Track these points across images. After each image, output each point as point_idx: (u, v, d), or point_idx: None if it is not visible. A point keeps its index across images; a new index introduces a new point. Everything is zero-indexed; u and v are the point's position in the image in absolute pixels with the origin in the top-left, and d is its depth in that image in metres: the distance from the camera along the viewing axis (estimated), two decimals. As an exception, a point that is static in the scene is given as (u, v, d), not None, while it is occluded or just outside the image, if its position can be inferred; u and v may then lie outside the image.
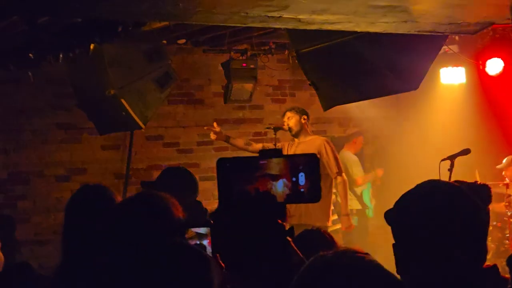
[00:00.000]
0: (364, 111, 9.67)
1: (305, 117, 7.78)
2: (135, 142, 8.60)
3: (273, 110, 9.09)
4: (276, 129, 7.87)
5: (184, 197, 4.51)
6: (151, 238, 2.29)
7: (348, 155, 9.23)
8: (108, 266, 2.39)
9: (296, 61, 6.89)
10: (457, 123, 9.25)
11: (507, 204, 8.25)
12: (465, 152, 6.59)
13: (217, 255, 2.24)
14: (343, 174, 7.73)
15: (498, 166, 8.51)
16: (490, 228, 2.20)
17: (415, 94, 6.57)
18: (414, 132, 9.74)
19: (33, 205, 8.13)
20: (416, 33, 5.37)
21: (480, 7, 4.67)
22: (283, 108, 8.40)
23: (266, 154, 2.24)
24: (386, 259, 2.11)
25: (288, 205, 2.27)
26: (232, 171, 2.21)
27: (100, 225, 2.68)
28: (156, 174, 7.69)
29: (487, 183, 2.30)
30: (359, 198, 9.19)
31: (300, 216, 7.40)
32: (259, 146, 7.81)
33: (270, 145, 7.93)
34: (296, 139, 7.83)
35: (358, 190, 9.17)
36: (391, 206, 2.21)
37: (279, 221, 2.06)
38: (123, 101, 6.88)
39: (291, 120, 7.76)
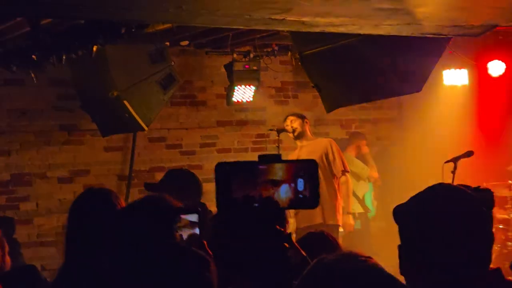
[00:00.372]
0: (367, 113, 9.67)
1: (306, 121, 7.90)
2: (138, 143, 8.60)
3: (276, 112, 9.09)
4: (280, 131, 7.92)
5: (188, 199, 4.53)
6: (154, 241, 2.29)
7: (351, 158, 9.23)
8: (111, 268, 2.39)
9: (299, 63, 6.89)
10: (460, 125, 9.24)
11: (510, 206, 8.25)
12: (468, 154, 6.59)
13: (204, 242, 2.25)
14: (348, 174, 7.83)
15: (510, 168, 8.50)
16: (494, 229, 2.19)
17: (418, 96, 6.57)
18: (417, 134, 9.73)
19: (36, 206, 8.13)
20: (419, 35, 5.37)
21: (484, 9, 4.66)
22: (286, 110, 8.41)
23: (265, 159, 2.23)
24: (390, 262, 2.11)
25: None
26: (232, 176, 2.20)
27: (104, 228, 2.69)
28: (158, 176, 7.69)
29: (490, 183, 2.30)
30: (361, 202, 9.18)
31: (309, 217, 7.45)
32: None
33: None
34: (298, 143, 7.87)
35: (360, 193, 9.15)
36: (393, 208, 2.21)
37: (278, 227, 2.06)
38: (126, 102, 6.88)
39: (294, 122, 7.81)
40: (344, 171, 7.76)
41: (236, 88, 8.40)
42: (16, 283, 3.44)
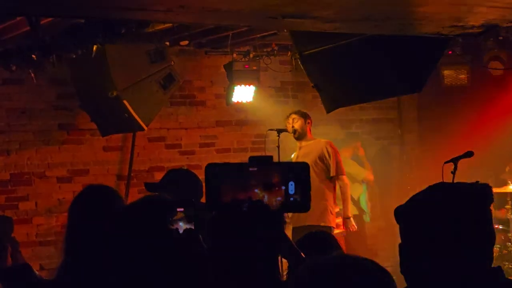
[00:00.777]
0: (367, 113, 9.66)
1: (309, 121, 7.84)
2: (137, 143, 8.59)
3: (275, 112, 9.07)
4: (280, 131, 7.88)
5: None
6: (154, 239, 2.29)
7: (345, 160, 9.18)
8: (111, 267, 2.38)
9: (299, 63, 6.88)
10: (460, 125, 9.24)
11: (509, 207, 8.24)
12: (468, 154, 6.57)
13: (200, 236, 2.25)
14: (344, 177, 7.73)
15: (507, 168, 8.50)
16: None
17: (418, 96, 6.56)
18: (416, 134, 9.73)
19: (35, 206, 8.11)
20: (420, 35, 5.36)
21: (484, 10, 4.65)
22: (285, 110, 8.39)
23: (256, 161, 2.20)
24: (388, 261, 2.10)
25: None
26: (222, 177, 2.17)
27: (104, 225, 2.68)
28: (158, 175, 7.69)
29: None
30: (356, 203, 9.14)
31: (305, 217, 7.41)
32: None
33: None
34: (298, 143, 7.86)
35: (355, 195, 9.11)
36: (393, 208, 2.20)
37: (270, 229, 2.04)
38: (125, 102, 6.87)
39: (296, 122, 7.78)
40: (339, 174, 7.68)
41: (235, 88, 8.39)
42: (11, 282, 3.43)
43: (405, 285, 2.13)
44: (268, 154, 6.70)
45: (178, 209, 2.30)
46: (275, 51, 8.50)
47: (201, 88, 9.13)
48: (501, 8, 4.53)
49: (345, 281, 1.71)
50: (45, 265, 7.61)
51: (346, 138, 9.77)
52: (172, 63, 7.30)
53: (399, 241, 2.17)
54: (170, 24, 6.53)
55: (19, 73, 7.39)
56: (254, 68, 8.36)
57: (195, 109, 9.10)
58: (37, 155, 8.14)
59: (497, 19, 4.91)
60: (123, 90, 6.84)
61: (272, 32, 7.46)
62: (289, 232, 6.77)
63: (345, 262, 1.77)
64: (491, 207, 2.18)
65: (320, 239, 3.63)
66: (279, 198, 2.16)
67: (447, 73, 9.03)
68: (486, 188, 2.18)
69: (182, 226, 2.27)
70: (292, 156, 7.96)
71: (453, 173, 6.42)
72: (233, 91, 8.44)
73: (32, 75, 7.34)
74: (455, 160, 6.51)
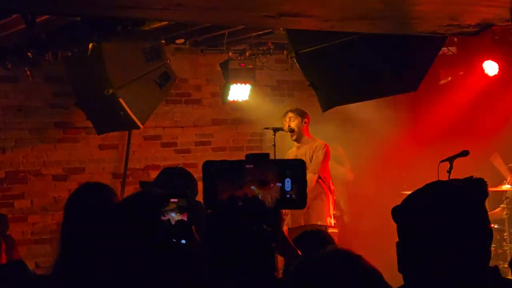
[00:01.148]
0: (362, 112, 9.65)
1: (306, 119, 7.80)
2: (133, 141, 8.59)
3: (271, 110, 9.07)
4: (276, 129, 7.87)
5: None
6: (149, 238, 2.29)
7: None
8: (106, 265, 2.38)
9: (295, 61, 6.88)
10: (455, 125, 9.25)
11: (504, 206, 8.26)
12: (464, 153, 6.58)
13: (193, 227, 2.25)
14: (314, 175, 7.56)
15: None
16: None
17: (414, 95, 6.56)
18: (412, 133, 9.74)
19: (31, 204, 8.11)
20: (416, 34, 5.36)
21: (480, 9, 4.66)
22: (281, 109, 8.39)
23: (253, 158, 2.21)
24: (383, 260, 2.11)
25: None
26: (218, 175, 2.18)
27: (99, 223, 2.68)
28: (153, 174, 7.69)
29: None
30: (337, 204, 9.08)
31: (301, 217, 7.41)
32: None
33: None
34: (295, 143, 7.83)
35: (337, 196, 9.05)
36: (389, 207, 2.21)
37: (266, 226, 2.04)
38: (121, 100, 6.87)
39: (293, 121, 7.76)
40: (311, 170, 7.42)
41: (231, 86, 8.39)
42: (4, 279, 3.43)
43: (402, 283, 2.14)
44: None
45: (172, 200, 2.30)
46: (271, 50, 8.50)
47: (197, 86, 9.13)
48: (497, 7, 4.54)
49: (335, 275, 1.71)
50: (41, 263, 7.60)
51: (341, 136, 9.76)
52: (168, 61, 7.30)
53: (395, 240, 2.17)
54: (166, 22, 6.53)
55: (15, 71, 7.39)
56: (250, 66, 8.36)
57: (191, 108, 9.10)
58: (32, 153, 8.13)
59: (493, 18, 4.91)
60: (119, 88, 6.84)
61: (268, 30, 7.45)
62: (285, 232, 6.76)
63: (336, 257, 1.77)
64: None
65: (316, 237, 3.63)
66: (275, 195, 2.17)
67: (443, 72, 9.05)
68: (481, 183, 2.19)
69: (174, 216, 2.28)
70: (289, 152, 7.92)
71: (449, 172, 6.44)
72: (229, 90, 8.44)
73: (28, 73, 7.34)
74: (450, 159, 6.53)
